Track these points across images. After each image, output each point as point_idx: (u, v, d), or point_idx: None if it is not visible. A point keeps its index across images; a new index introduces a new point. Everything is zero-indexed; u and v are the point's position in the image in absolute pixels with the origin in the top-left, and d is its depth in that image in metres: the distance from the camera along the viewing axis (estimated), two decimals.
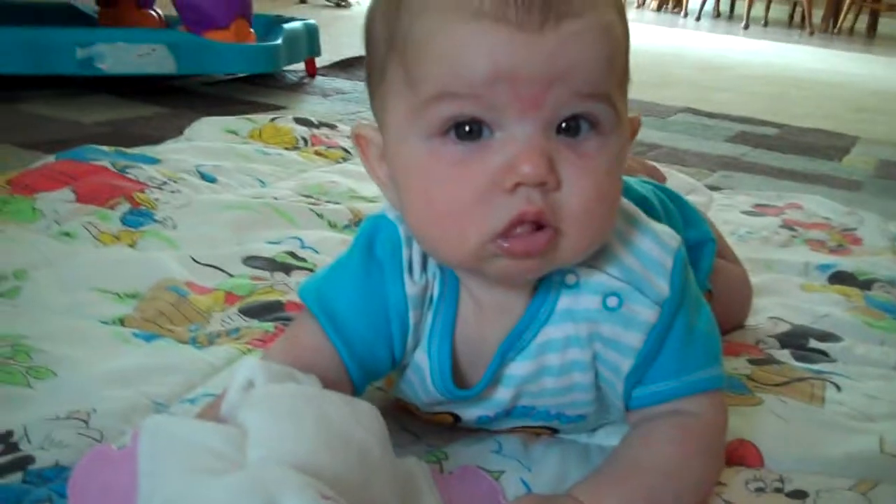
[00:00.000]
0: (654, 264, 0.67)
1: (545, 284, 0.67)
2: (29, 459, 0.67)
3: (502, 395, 0.71)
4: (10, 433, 0.69)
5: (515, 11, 0.56)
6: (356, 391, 0.69)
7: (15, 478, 0.65)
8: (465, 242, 0.60)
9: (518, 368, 0.69)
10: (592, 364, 0.69)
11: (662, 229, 0.70)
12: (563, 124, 0.59)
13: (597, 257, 0.66)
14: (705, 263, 0.95)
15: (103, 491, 0.53)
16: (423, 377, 0.71)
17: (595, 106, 0.59)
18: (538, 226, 0.59)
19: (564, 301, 0.67)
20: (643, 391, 0.69)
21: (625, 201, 0.69)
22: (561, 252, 0.61)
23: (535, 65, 0.56)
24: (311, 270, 1.09)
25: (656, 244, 0.68)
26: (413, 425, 0.77)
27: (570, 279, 0.67)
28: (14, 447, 0.68)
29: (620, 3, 0.63)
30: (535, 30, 0.56)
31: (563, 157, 0.58)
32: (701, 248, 0.95)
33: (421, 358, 0.70)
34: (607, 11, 0.59)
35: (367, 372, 0.69)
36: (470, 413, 0.74)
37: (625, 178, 0.94)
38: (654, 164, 1.37)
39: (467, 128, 0.58)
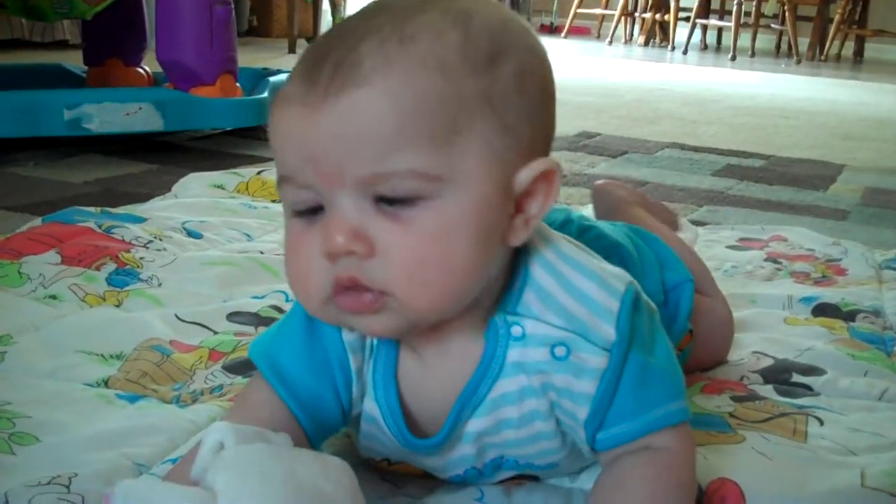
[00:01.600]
0: (599, 309, 0.67)
1: (492, 338, 0.67)
2: None
3: (466, 450, 0.72)
4: None
5: (307, 88, 0.59)
6: (312, 446, 0.70)
7: None
8: (311, 303, 0.64)
9: (475, 425, 0.70)
10: (551, 412, 0.69)
11: (609, 272, 0.69)
12: (378, 198, 0.60)
13: (539, 306, 0.67)
14: (684, 304, 0.95)
15: None
16: (378, 426, 0.71)
17: (398, 183, 0.59)
18: (363, 288, 0.61)
19: (513, 354, 0.67)
20: (606, 434, 0.69)
21: (567, 245, 0.70)
22: (402, 311, 0.62)
23: (321, 143, 0.59)
24: None
25: (601, 288, 0.68)
26: (392, 476, 0.78)
27: (516, 331, 0.67)
28: None
29: (447, 55, 0.60)
30: (318, 105, 0.58)
31: (380, 225, 0.60)
32: (680, 290, 0.95)
33: (371, 407, 0.71)
34: (416, 72, 0.59)
35: (318, 425, 0.70)
36: (442, 471, 0.74)
37: (599, 224, 0.95)
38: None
39: (303, 208, 0.62)
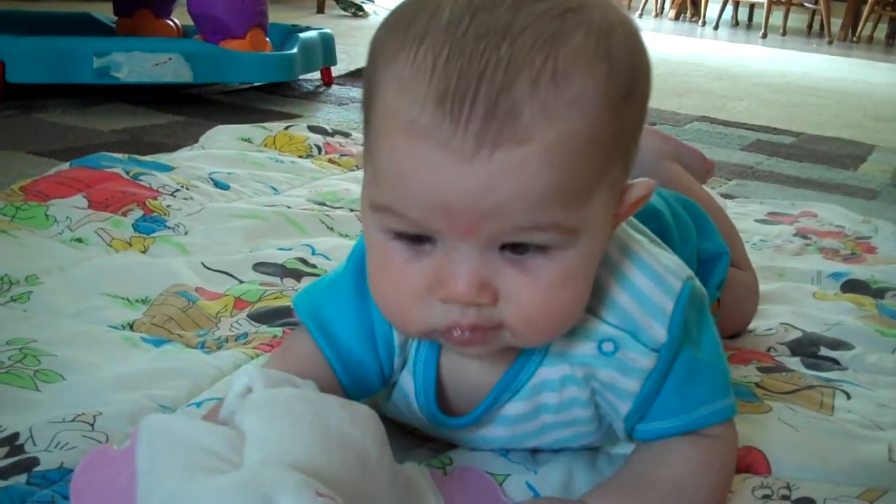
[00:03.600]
0: (653, 307, 0.64)
1: None
2: (34, 461, 0.67)
3: (497, 432, 0.71)
4: (15, 435, 0.70)
5: (451, 130, 0.52)
6: None
7: (20, 479, 0.65)
8: (408, 328, 0.62)
9: (512, 408, 0.69)
10: (592, 399, 0.68)
11: (667, 265, 0.66)
12: (506, 244, 0.56)
13: (592, 300, 0.63)
14: (718, 276, 0.94)
15: (104, 490, 0.53)
16: (408, 401, 0.71)
17: (538, 236, 0.56)
18: (481, 328, 0.59)
19: (558, 344, 0.65)
20: (646, 426, 0.68)
21: (628, 231, 0.67)
22: (510, 341, 0.61)
23: (467, 197, 0.53)
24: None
25: (657, 285, 0.65)
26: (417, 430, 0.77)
27: None
28: (19, 449, 0.68)
29: (604, 88, 0.55)
30: (467, 157, 0.52)
31: (505, 273, 0.57)
32: (715, 262, 0.94)
33: (406, 380, 0.70)
34: (572, 118, 0.53)
35: (357, 386, 0.69)
36: (468, 444, 0.74)
37: None
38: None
39: (406, 234, 0.58)
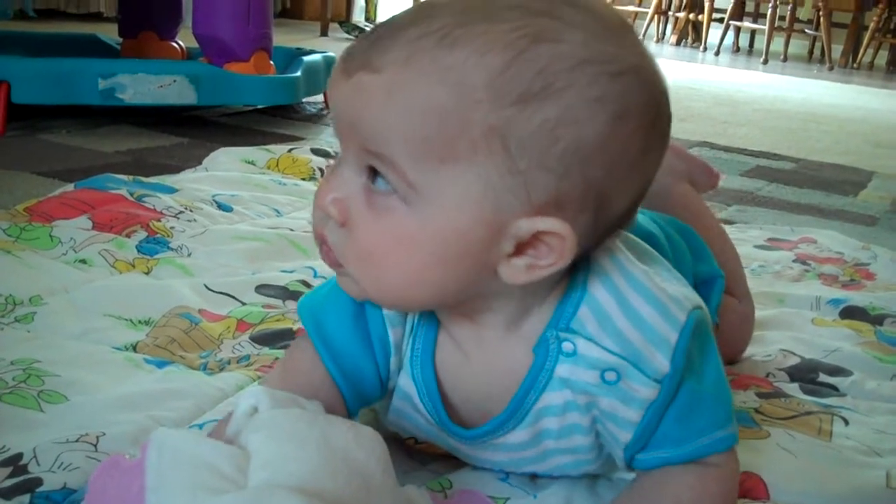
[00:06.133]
0: (657, 338, 0.64)
1: (542, 353, 0.66)
2: (37, 482, 0.67)
3: (499, 456, 0.72)
4: (19, 455, 0.70)
5: (353, 49, 0.60)
6: (349, 413, 0.70)
7: (23, 500, 0.66)
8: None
9: (515, 437, 0.70)
10: (592, 427, 0.68)
11: (672, 296, 0.66)
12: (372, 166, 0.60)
13: (595, 327, 0.64)
14: (714, 299, 0.95)
15: (116, 500, 0.53)
16: (412, 403, 0.71)
17: (381, 166, 0.59)
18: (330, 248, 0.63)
19: (562, 369, 0.65)
20: (647, 456, 0.68)
21: (634, 264, 0.67)
22: (359, 286, 0.63)
23: (338, 106, 0.61)
24: None
25: (662, 316, 0.65)
26: (418, 452, 0.78)
27: (567, 347, 0.65)
28: (23, 469, 0.69)
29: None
30: (345, 72, 0.59)
31: (359, 202, 0.61)
32: (711, 285, 0.95)
33: (406, 383, 0.71)
34: (432, 79, 0.56)
35: (357, 392, 0.70)
36: (469, 459, 0.75)
37: None
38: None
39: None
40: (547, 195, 0.58)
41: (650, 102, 0.61)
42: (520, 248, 0.60)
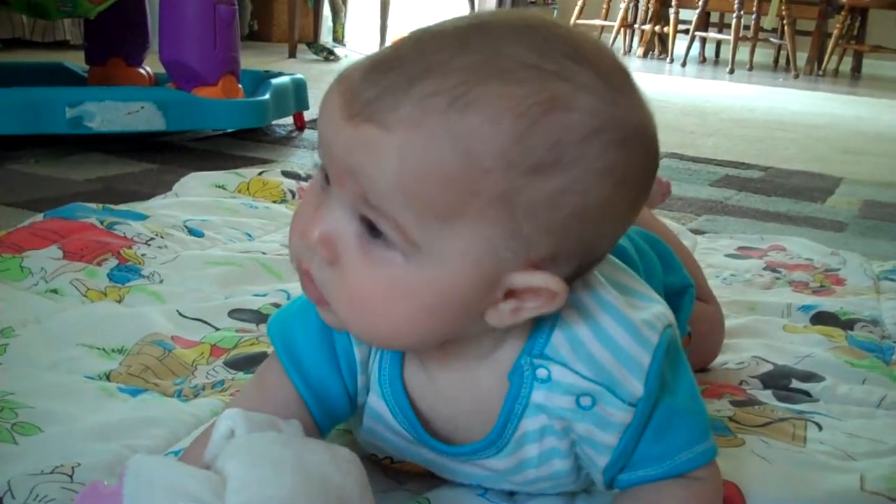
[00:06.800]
0: (630, 362, 0.64)
1: (516, 380, 0.66)
2: None
3: (479, 472, 0.72)
4: None
5: (355, 91, 0.57)
6: (320, 432, 0.70)
7: None
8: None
9: (496, 464, 0.70)
10: (571, 451, 0.69)
11: (644, 319, 0.66)
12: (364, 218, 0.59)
13: (568, 352, 0.65)
14: (686, 309, 0.95)
15: None
16: (385, 422, 0.71)
17: (383, 223, 0.57)
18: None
19: (538, 395, 0.66)
20: (627, 476, 0.68)
21: (605, 288, 0.67)
22: (340, 322, 0.63)
23: (337, 148, 0.58)
24: None
25: (634, 339, 0.65)
26: (394, 472, 0.78)
27: (542, 373, 0.65)
28: None
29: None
30: (348, 116, 0.57)
31: (352, 245, 0.60)
32: (682, 295, 0.95)
33: (377, 403, 0.71)
34: (443, 145, 0.55)
35: (326, 410, 0.70)
36: (447, 473, 0.75)
37: None
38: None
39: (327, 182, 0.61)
40: (544, 253, 0.59)
41: (648, 164, 0.62)
42: (508, 295, 0.61)
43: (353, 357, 0.70)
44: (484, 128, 0.55)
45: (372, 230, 0.58)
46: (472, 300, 0.60)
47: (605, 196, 0.59)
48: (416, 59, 0.57)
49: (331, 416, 0.71)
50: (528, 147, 0.56)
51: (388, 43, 0.64)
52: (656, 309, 0.68)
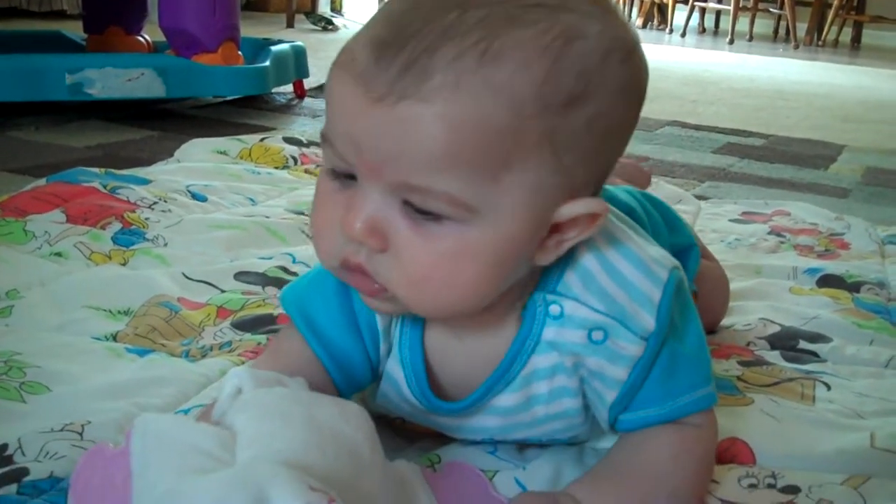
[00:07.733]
0: (641, 297, 0.66)
1: (529, 317, 0.66)
2: (23, 471, 0.67)
3: (489, 422, 0.72)
4: (4, 446, 0.70)
5: (373, 71, 0.56)
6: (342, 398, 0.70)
7: (10, 489, 0.65)
8: (324, 262, 0.64)
9: (505, 400, 0.70)
10: (580, 389, 0.69)
11: (653, 256, 0.68)
12: (407, 201, 0.58)
13: (580, 288, 0.65)
14: (692, 267, 0.96)
15: (102, 490, 0.53)
16: (398, 387, 0.71)
17: (433, 203, 0.57)
18: (369, 275, 0.61)
19: (549, 332, 0.66)
20: (629, 416, 0.69)
21: (615, 223, 0.69)
22: (406, 306, 0.62)
23: (369, 136, 0.56)
24: None
25: (644, 275, 0.66)
26: (405, 430, 0.78)
27: (554, 310, 0.66)
28: (8, 460, 0.68)
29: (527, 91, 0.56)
30: (377, 99, 0.55)
31: (400, 227, 0.58)
32: (687, 254, 0.96)
33: (394, 368, 0.70)
34: (484, 100, 0.55)
35: (349, 379, 0.70)
36: (458, 433, 0.75)
37: (610, 188, 0.95)
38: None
39: (339, 170, 0.61)
40: (583, 179, 0.61)
41: (645, 76, 0.64)
42: (552, 230, 0.62)
43: (374, 325, 0.69)
44: (517, 75, 0.56)
45: (417, 210, 0.58)
46: (528, 245, 0.61)
47: (623, 112, 0.62)
48: (425, 27, 0.56)
49: (353, 384, 0.71)
50: (559, 82, 0.57)
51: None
52: (662, 250, 0.70)
